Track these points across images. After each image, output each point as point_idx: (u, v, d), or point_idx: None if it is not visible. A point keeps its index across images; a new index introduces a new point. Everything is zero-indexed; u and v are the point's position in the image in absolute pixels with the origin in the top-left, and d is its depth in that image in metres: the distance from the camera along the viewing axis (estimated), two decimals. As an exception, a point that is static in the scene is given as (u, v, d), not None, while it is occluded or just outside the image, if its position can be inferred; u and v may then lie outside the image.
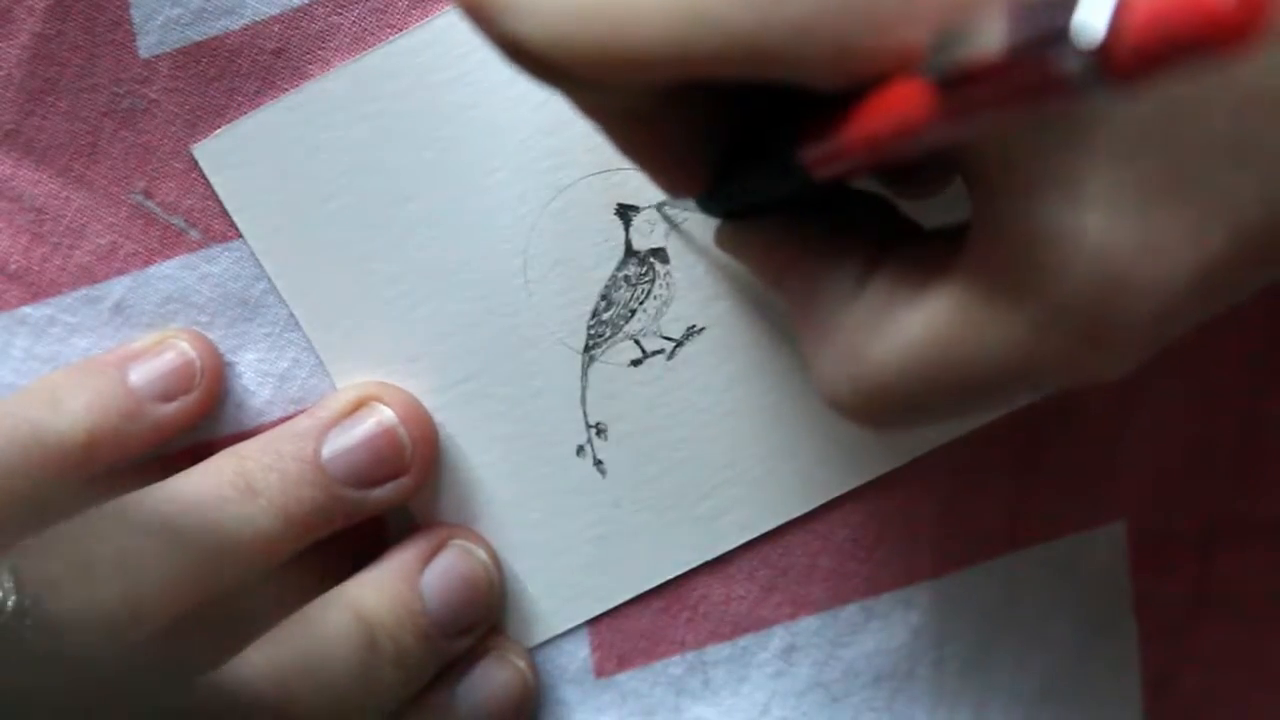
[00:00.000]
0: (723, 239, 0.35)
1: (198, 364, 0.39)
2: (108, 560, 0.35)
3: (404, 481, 0.39)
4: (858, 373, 0.29)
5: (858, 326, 0.29)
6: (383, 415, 0.38)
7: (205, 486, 0.37)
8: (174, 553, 0.36)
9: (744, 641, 0.41)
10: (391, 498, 0.38)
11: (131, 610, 0.35)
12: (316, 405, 0.39)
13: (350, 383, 0.39)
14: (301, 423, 0.38)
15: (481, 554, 0.40)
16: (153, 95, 0.38)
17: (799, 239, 0.32)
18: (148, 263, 0.39)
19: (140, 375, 0.38)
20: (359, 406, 0.39)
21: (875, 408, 0.29)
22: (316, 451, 0.38)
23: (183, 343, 0.39)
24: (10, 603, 0.34)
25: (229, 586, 0.37)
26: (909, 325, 0.28)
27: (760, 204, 0.33)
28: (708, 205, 0.34)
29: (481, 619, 0.39)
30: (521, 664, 0.40)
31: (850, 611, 0.41)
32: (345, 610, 0.37)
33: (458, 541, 0.40)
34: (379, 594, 0.38)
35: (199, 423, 0.39)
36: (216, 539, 0.36)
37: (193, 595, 0.36)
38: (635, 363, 0.39)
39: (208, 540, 0.36)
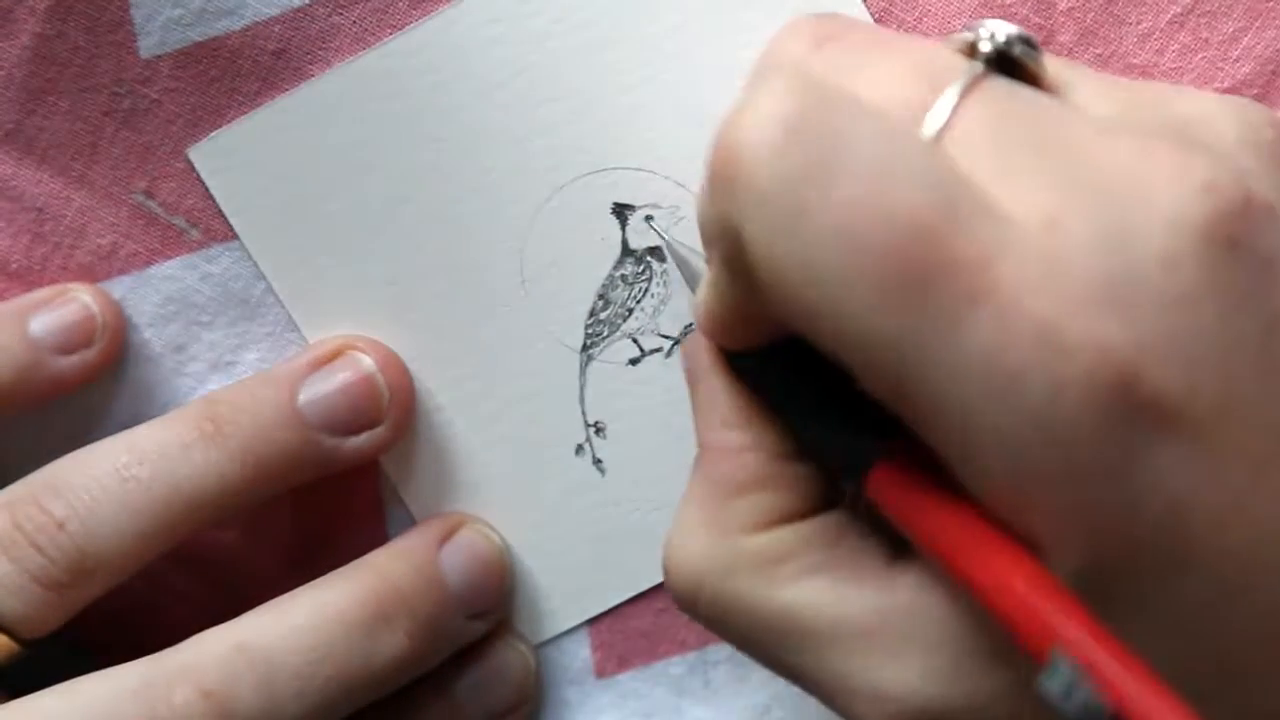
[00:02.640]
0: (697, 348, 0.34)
1: (99, 319, 0.39)
2: (59, 517, 0.35)
3: (379, 431, 0.38)
4: (714, 574, 0.31)
5: (758, 553, 0.31)
6: (361, 363, 0.38)
7: (170, 433, 0.37)
8: (129, 506, 0.36)
9: (744, 642, 0.41)
10: (365, 448, 0.38)
11: (81, 569, 0.35)
12: (295, 353, 0.39)
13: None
14: (279, 369, 0.38)
15: (496, 538, 0.40)
16: (154, 95, 0.39)
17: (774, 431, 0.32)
18: (148, 263, 0.39)
19: (41, 326, 0.38)
20: (337, 355, 0.38)
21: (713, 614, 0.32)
22: (293, 395, 0.37)
23: (85, 296, 0.39)
24: None
25: (189, 535, 0.37)
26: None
27: (775, 393, 0.32)
28: (737, 357, 0.32)
29: (495, 604, 0.39)
30: (528, 653, 0.40)
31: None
32: (364, 574, 0.37)
33: (474, 524, 0.40)
34: (401, 562, 0.38)
35: (97, 378, 0.39)
36: (174, 490, 0.36)
37: (148, 549, 0.36)
38: (634, 361, 0.39)
39: (165, 492, 0.36)
